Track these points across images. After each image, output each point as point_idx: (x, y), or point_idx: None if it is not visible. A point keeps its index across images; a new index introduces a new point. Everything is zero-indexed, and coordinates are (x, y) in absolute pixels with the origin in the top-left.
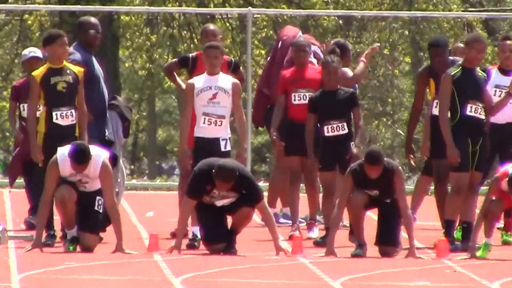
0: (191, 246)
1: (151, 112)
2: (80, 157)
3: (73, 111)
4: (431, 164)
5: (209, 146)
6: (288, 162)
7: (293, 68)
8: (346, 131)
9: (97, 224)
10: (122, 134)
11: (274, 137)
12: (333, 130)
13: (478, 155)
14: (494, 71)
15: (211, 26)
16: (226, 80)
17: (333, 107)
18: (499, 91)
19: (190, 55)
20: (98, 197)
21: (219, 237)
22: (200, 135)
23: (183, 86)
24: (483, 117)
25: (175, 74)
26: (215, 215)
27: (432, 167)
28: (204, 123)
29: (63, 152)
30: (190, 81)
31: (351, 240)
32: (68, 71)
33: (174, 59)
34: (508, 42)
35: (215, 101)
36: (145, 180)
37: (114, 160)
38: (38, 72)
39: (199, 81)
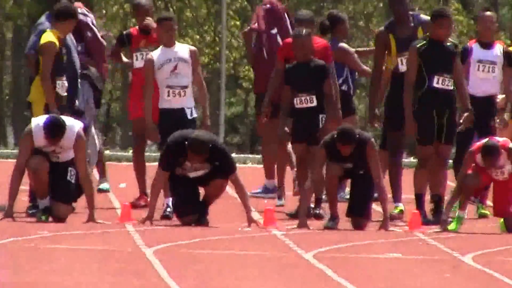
0: (166, 217)
1: (125, 82)
2: (54, 131)
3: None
4: (387, 138)
5: (175, 116)
6: (294, 148)
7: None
8: (315, 104)
9: (69, 194)
10: (93, 105)
11: (266, 105)
12: (301, 102)
13: (446, 128)
14: (475, 46)
15: (142, 1)
16: (183, 50)
17: (302, 79)
18: (482, 66)
19: (124, 32)
20: (70, 168)
21: (191, 209)
22: (166, 106)
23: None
24: (451, 88)
25: (121, 54)
26: (187, 187)
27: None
28: (168, 95)
29: (38, 123)
30: (148, 56)
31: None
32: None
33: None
34: (488, 13)
35: (177, 72)
36: (118, 150)
37: (84, 130)
38: (54, 39)
39: (157, 54)
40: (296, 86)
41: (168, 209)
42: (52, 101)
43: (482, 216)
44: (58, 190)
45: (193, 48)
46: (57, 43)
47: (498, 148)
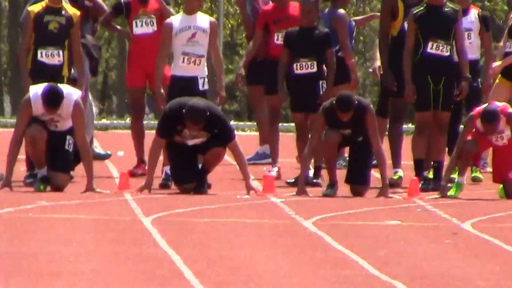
0: (165, 185)
1: (121, 50)
2: (53, 100)
3: (60, 51)
4: (384, 105)
5: (186, 85)
6: (295, 118)
7: (273, 5)
8: (315, 69)
9: (67, 163)
10: (89, 73)
11: (241, 73)
12: (301, 68)
13: (443, 94)
14: None
15: None
16: (203, 20)
17: (305, 45)
18: None
19: (122, 0)
20: (68, 137)
21: (189, 177)
22: (178, 73)
23: (127, 30)
24: (446, 54)
25: (113, 24)
26: (186, 155)
27: (387, 107)
28: (183, 62)
29: (36, 91)
30: (167, 21)
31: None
32: (63, 12)
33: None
34: None
35: (194, 41)
36: (115, 119)
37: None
38: (35, 8)
39: (177, 20)
40: (297, 50)
41: (167, 178)
42: (24, 72)
43: (476, 180)
44: (56, 159)
45: (213, 19)
46: (34, 12)
47: (498, 114)
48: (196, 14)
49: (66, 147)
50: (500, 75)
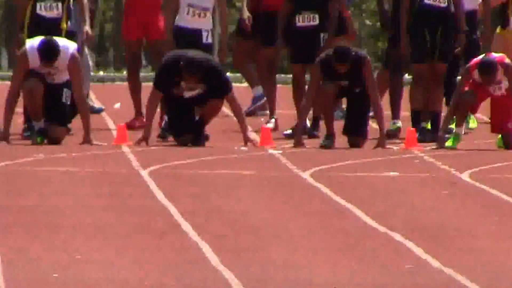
0: (163, 136)
1: (118, 2)
2: (49, 53)
3: (59, 4)
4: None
5: (190, 37)
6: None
7: None
8: (317, 22)
9: (64, 116)
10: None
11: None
12: (303, 20)
13: (440, 45)
14: None
15: None
16: None
17: None
18: None
19: None
20: (65, 89)
21: (186, 129)
22: (183, 25)
23: None
24: (443, 5)
25: None
26: (183, 107)
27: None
28: (188, 13)
29: (33, 44)
30: None
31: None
32: None
33: None
34: None
35: None
36: (112, 71)
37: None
38: None
39: None
40: (300, 3)
41: (166, 126)
42: (19, 24)
43: (470, 128)
44: (53, 112)
45: None
46: None
47: (496, 64)
48: None
49: (63, 100)
50: (499, 26)
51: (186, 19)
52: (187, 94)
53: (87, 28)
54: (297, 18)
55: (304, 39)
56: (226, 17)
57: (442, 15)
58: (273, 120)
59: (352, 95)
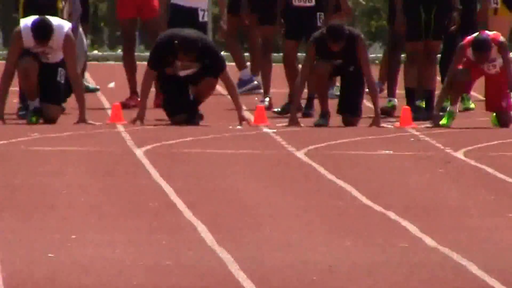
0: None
1: None
2: (43, 33)
3: None
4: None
5: (187, 16)
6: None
7: None
8: (313, 3)
9: (59, 95)
10: (79, 5)
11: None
12: (300, 1)
13: (434, 24)
14: None
15: None
16: None
17: None
18: None
19: None
20: (60, 68)
21: (181, 108)
22: (179, 3)
23: None
24: None
25: None
26: (177, 85)
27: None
28: None
29: (27, 23)
30: None
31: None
32: None
33: None
34: None
35: None
36: (106, 50)
37: (72, 31)
38: None
39: None
40: None
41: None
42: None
43: (467, 109)
44: (47, 91)
45: None
46: None
47: (489, 42)
48: None
49: (58, 78)
50: (501, 3)
51: None
52: (182, 73)
53: None
54: None
55: (299, 17)
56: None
57: None
58: (267, 99)
59: (346, 73)
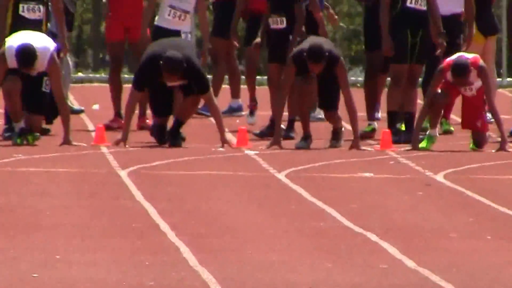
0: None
1: (96, 4)
2: (26, 60)
3: (40, 6)
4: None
5: (169, 37)
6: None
7: None
8: (284, 26)
9: (42, 105)
10: (65, 27)
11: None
12: (274, 23)
13: (419, 47)
14: None
15: None
16: None
17: (276, 1)
18: None
19: None
20: (45, 78)
21: (168, 109)
22: (163, 25)
23: None
24: (424, 8)
25: None
26: (165, 90)
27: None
28: (169, 15)
29: (12, 45)
30: None
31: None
32: None
33: None
34: None
35: None
36: (90, 72)
37: (57, 52)
38: None
39: None
40: (271, 6)
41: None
42: (2, 26)
43: (447, 132)
44: (31, 101)
45: None
46: None
47: (468, 67)
48: None
49: (43, 88)
50: (476, 30)
51: (167, 20)
52: (170, 84)
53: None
54: (270, 21)
55: (277, 40)
56: (207, 21)
57: (423, 17)
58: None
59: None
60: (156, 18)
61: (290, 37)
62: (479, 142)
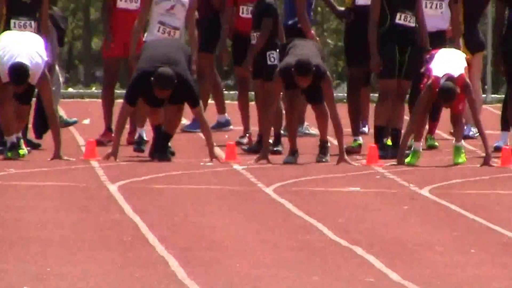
0: (138, 150)
1: (86, 21)
2: (19, 79)
3: (32, 22)
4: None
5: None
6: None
7: None
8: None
9: (31, 95)
10: (56, 43)
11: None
12: (253, 39)
13: (407, 64)
14: None
15: None
16: None
17: (253, 17)
18: (430, 2)
19: None
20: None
21: (160, 102)
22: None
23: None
24: (413, 25)
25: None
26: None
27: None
28: (158, 31)
29: (5, 60)
30: None
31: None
32: None
33: None
34: None
35: (172, 12)
36: (81, 88)
37: (48, 68)
38: None
39: None
40: (252, 23)
41: (142, 141)
42: None
43: (431, 147)
44: (21, 93)
45: None
46: None
47: (455, 92)
48: None
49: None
50: (463, 46)
51: (155, 36)
52: (161, 97)
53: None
54: (251, 36)
55: (257, 56)
56: (196, 38)
57: (412, 34)
58: (245, 139)
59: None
60: (146, 34)
61: (268, 53)
62: (456, 122)
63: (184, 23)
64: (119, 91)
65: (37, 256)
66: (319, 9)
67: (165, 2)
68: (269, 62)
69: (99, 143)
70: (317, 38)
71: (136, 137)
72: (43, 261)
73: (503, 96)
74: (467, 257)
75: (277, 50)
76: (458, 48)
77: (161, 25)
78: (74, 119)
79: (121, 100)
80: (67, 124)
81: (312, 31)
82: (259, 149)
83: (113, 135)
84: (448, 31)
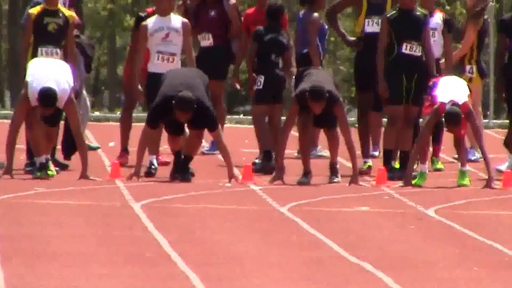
0: (149, 174)
1: (112, 48)
2: (48, 103)
3: (58, 50)
4: (378, 100)
5: (160, 80)
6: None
7: (254, 8)
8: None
9: (58, 117)
10: (84, 69)
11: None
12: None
13: (414, 90)
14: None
15: None
16: (176, 21)
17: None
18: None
19: (142, 15)
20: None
21: (180, 130)
22: (154, 70)
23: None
24: (418, 54)
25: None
26: (176, 123)
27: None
28: (157, 59)
29: (35, 86)
30: (143, 23)
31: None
32: (60, 14)
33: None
34: None
35: (168, 40)
36: (106, 112)
37: (75, 94)
38: (35, 11)
39: (152, 22)
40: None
41: (152, 166)
42: (23, 68)
43: (438, 170)
44: (49, 116)
45: (185, 20)
46: (34, 14)
47: (459, 118)
48: (169, 15)
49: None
50: (476, 72)
51: (156, 65)
52: (181, 120)
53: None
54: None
55: (268, 81)
56: (193, 60)
57: (417, 62)
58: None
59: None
60: (148, 64)
61: (258, 77)
62: (458, 144)
63: (180, 48)
64: (142, 114)
65: (63, 270)
66: (332, 38)
67: (160, 32)
68: (255, 87)
69: (123, 164)
70: (320, 67)
71: (147, 164)
72: (69, 276)
73: (505, 121)
74: (469, 273)
75: (277, 75)
76: (462, 74)
77: (159, 54)
78: (97, 144)
79: (141, 124)
80: (90, 149)
81: (318, 60)
82: (264, 166)
83: (129, 155)
84: (441, 64)
